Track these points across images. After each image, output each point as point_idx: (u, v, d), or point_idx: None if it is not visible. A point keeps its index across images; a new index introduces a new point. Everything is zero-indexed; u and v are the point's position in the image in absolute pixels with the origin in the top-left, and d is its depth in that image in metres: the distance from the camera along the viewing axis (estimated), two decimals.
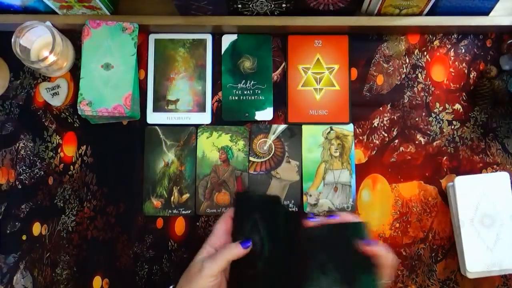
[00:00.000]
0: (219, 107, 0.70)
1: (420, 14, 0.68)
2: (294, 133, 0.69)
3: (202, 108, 0.70)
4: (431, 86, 0.70)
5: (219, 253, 0.53)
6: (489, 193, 0.63)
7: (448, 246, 0.67)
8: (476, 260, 0.62)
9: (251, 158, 0.69)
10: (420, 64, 0.71)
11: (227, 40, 0.71)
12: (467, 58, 0.71)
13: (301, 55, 0.71)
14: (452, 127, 0.69)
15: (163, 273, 0.67)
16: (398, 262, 0.66)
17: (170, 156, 0.69)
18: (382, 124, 0.70)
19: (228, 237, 0.56)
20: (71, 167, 0.69)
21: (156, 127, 0.70)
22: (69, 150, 0.70)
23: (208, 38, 0.71)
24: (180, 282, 0.56)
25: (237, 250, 0.53)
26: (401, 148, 0.69)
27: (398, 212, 0.68)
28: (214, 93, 0.71)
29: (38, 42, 0.67)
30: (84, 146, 0.70)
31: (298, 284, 0.52)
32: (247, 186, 0.68)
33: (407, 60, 0.71)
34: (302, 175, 0.69)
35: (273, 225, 0.55)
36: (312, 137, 0.69)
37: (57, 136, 0.70)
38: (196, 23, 0.68)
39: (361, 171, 0.69)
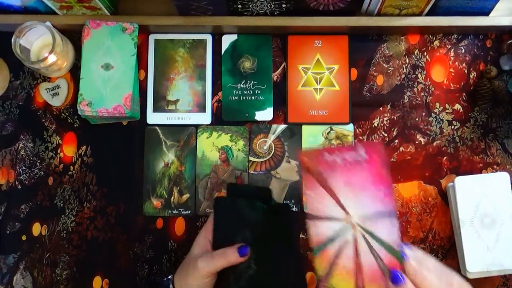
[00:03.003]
0: (219, 107, 0.70)
1: (420, 14, 0.68)
2: (294, 133, 0.69)
3: (202, 108, 0.70)
4: (431, 86, 0.70)
5: (217, 256, 0.52)
6: (489, 193, 0.63)
7: (448, 246, 0.67)
8: (476, 260, 0.62)
9: (251, 158, 0.69)
10: (420, 64, 0.71)
11: (227, 40, 0.71)
12: (467, 58, 0.71)
13: (301, 55, 0.71)
14: (452, 127, 0.69)
15: (163, 273, 0.67)
16: None
17: (170, 156, 0.69)
18: (382, 124, 0.70)
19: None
20: (71, 167, 0.69)
21: (156, 127, 0.70)
22: (69, 150, 0.70)
23: (208, 38, 0.71)
24: (176, 274, 0.56)
25: (233, 258, 0.52)
26: (401, 148, 0.69)
27: (398, 212, 0.68)
28: (214, 93, 0.71)
29: (38, 42, 0.67)
30: (84, 147, 0.70)
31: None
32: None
33: (407, 60, 0.71)
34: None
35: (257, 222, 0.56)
36: (312, 137, 0.69)
37: (57, 136, 0.70)
38: (196, 23, 0.68)
39: None
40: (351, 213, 0.48)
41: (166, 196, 0.68)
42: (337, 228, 0.48)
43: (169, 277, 0.57)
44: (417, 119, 0.70)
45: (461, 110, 0.70)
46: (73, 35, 0.71)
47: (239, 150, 0.69)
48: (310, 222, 0.48)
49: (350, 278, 0.47)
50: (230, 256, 0.52)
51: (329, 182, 0.48)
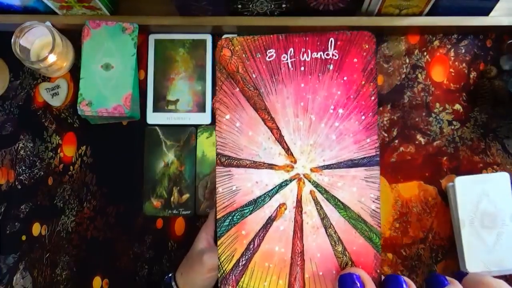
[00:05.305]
0: None
1: (420, 14, 0.68)
2: None
3: (202, 108, 0.70)
4: (431, 86, 0.70)
5: None
6: (489, 193, 0.63)
7: (448, 246, 0.67)
8: (476, 260, 0.62)
9: None
10: (420, 64, 0.71)
11: None
12: (467, 58, 0.71)
13: None
14: (452, 127, 0.69)
15: (163, 273, 0.67)
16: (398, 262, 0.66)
17: (170, 156, 0.69)
18: (382, 124, 0.70)
19: None
20: (71, 167, 0.69)
21: (156, 127, 0.70)
22: (68, 150, 0.70)
23: (208, 38, 0.71)
24: (180, 269, 0.56)
25: None
26: (401, 148, 0.69)
27: (398, 212, 0.68)
28: (214, 93, 0.71)
29: (38, 42, 0.68)
30: (84, 147, 0.70)
31: None
32: None
33: (407, 60, 0.71)
34: None
35: None
36: None
37: (57, 136, 0.70)
38: (196, 23, 0.68)
39: None
40: (298, 157, 0.28)
41: (166, 196, 0.68)
42: (270, 183, 0.28)
43: (169, 275, 0.57)
44: (417, 119, 0.70)
45: (461, 110, 0.70)
46: (73, 35, 0.71)
47: None
48: (222, 170, 0.29)
49: (279, 277, 0.28)
50: None
51: (265, 99, 0.27)
